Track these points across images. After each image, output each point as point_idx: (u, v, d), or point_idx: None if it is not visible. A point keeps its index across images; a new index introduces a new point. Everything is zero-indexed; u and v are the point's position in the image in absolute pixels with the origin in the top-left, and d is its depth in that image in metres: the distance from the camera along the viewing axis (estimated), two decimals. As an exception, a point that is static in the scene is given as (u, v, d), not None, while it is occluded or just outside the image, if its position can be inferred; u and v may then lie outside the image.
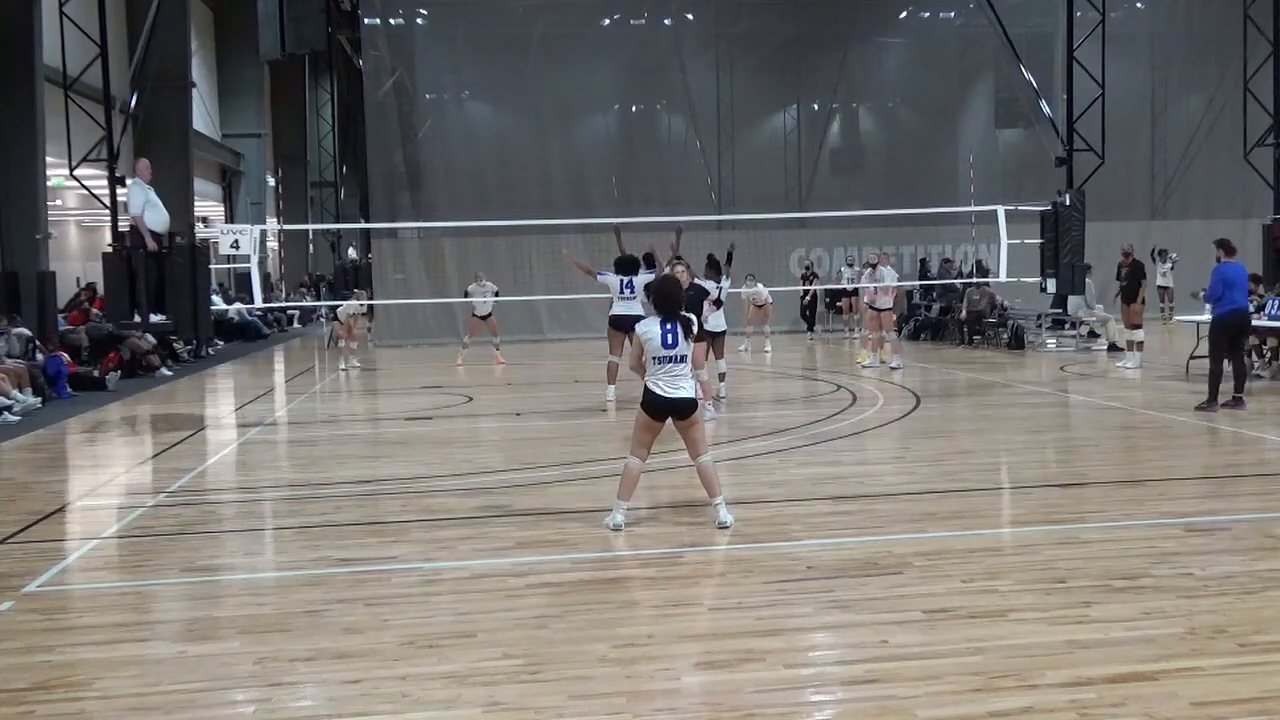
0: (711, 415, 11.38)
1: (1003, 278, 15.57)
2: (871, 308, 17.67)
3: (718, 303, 12.80)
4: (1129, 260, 17.07)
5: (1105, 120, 21.69)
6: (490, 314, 19.88)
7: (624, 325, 12.51)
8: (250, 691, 4.61)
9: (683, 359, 7.00)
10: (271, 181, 41.21)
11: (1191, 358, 15.16)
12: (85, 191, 19.49)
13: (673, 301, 7.10)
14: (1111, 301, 17.91)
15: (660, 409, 7.02)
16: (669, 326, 6.98)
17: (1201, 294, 13.14)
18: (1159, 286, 23.77)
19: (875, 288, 17.36)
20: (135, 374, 18.27)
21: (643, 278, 12.81)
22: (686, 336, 6.99)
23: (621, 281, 12.92)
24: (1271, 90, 21.72)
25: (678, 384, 6.99)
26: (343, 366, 19.30)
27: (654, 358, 7.02)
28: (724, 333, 13.26)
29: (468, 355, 19.92)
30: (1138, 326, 16.44)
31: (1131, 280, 16.70)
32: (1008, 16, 23.67)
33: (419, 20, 27.93)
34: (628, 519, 7.19)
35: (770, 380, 16.74)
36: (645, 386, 7.08)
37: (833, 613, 5.46)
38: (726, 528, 7.06)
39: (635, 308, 12.74)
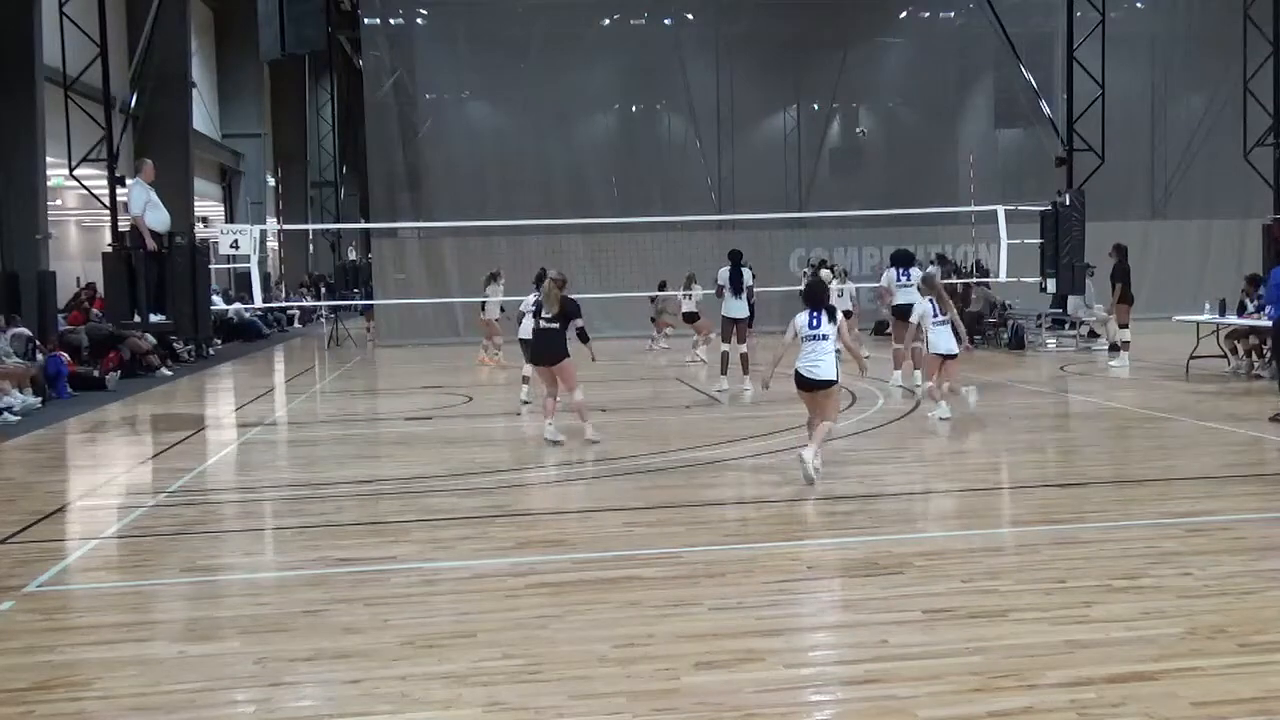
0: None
1: (1003, 278, 15.58)
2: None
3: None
4: (1114, 261, 16.98)
5: (1105, 120, 21.70)
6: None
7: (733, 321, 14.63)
8: (250, 691, 4.61)
9: (824, 337, 8.57)
10: (271, 181, 41.20)
11: (1191, 358, 15.17)
12: (85, 191, 19.50)
13: (819, 298, 8.79)
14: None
15: (803, 385, 8.62)
16: (815, 314, 8.64)
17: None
18: None
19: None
20: (135, 374, 18.25)
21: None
22: (831, 320, 8.62)
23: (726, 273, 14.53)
24: (1271, 90, 21.74)
25: (818, 368, 8.51)
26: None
27: (802, 338, 8.65)
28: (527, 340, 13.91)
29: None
30: (1124, 326, 16.48)
31: (1113, 280, 16.70)
32: (1008, 16, 23.68)
33: (419, 20, 27.94)
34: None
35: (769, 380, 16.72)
36: (795, 368, 8.67)
37: (833, 613, 5.46)
38: (810, 473, 8.14)
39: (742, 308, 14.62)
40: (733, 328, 14.44)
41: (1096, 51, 21.64)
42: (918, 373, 13.77)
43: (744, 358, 14.44)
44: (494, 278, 18.77)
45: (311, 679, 4.74)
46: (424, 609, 5.63)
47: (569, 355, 10.50)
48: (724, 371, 14.44)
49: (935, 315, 11.77)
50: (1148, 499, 7.82)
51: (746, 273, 14.85)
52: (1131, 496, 7.91)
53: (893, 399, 13.53)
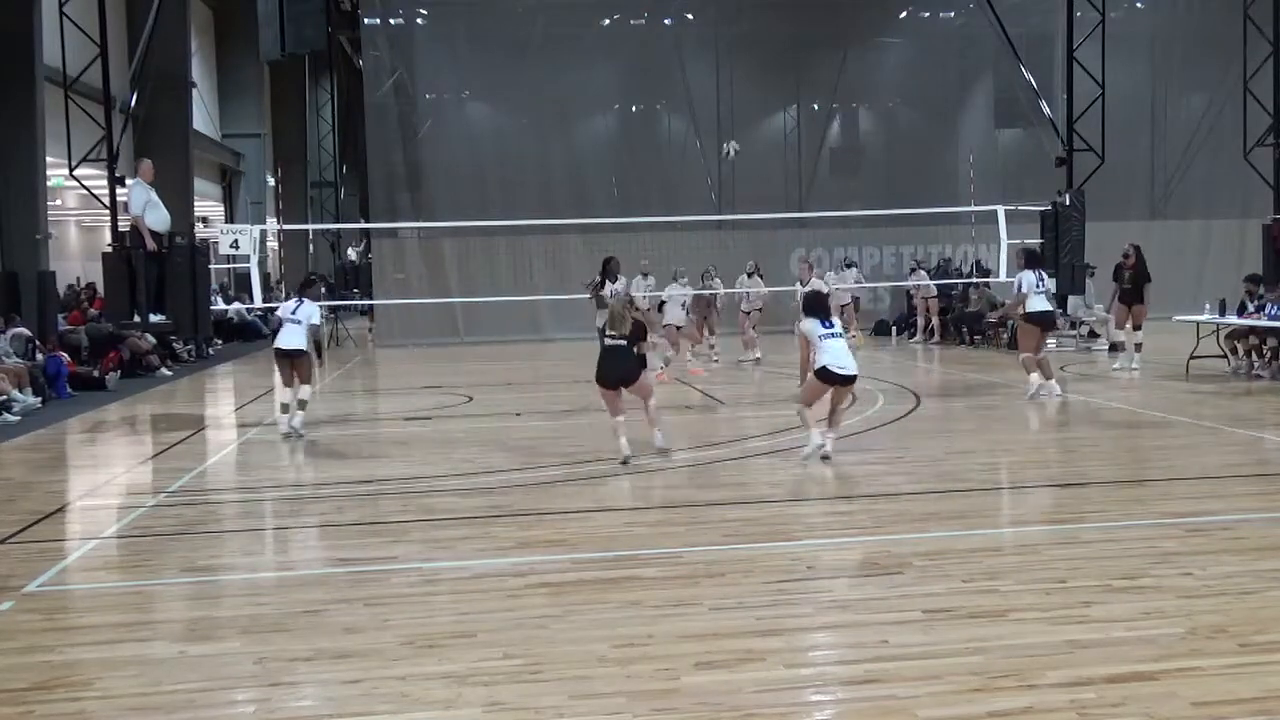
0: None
1: (1003, 278, 15.57)
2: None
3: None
4: (1131, 262, 16.72)
5: (1105, 120, 21.66)
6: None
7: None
8: (250, 691, 4.61)
9: (840, 334, 9.57)
10: (271, 181, 41.21)
11: (1191, 358, 15.17)
12: (85, 191, 19.47)
13: (821, 306, 9.88)
14: (1109, 302, 17.81)
15: (833, 380, 9.36)
16: (828, 322, 9.60)
17: None
18: None
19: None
20: (135, 374, 18.25)
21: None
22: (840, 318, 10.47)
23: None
24: (1271, 90, 21.68)
25: (848, 365, 9.33)
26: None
27: (821, 338, 9.42)
28: None
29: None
30: (1138, 328, 16.40)
31: (1135, 283, 16.49)
32: (1008, 16, 23.62)
33: (419, 20, 27.92)
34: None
35: (770, 380, 16.72)
36: (823, 364, 9.35)
37: (833, 613, 5.46)
38: (829, 452, 9.26)
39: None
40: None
41: (1096, 51, 21.58)
42: (1052, 381, 13.23)
43: None
44: (674, 276, 16.35)
45: (311, 679, 4.74)
46: (424, 609, 5.63)
47: (643, 369, 9.69)
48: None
49: (1039, 283, 13.31)
50: (1148, 499, 7.82)
51: (616, 284, 14.50)
52: (1132, 496, 7.91)
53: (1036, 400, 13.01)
